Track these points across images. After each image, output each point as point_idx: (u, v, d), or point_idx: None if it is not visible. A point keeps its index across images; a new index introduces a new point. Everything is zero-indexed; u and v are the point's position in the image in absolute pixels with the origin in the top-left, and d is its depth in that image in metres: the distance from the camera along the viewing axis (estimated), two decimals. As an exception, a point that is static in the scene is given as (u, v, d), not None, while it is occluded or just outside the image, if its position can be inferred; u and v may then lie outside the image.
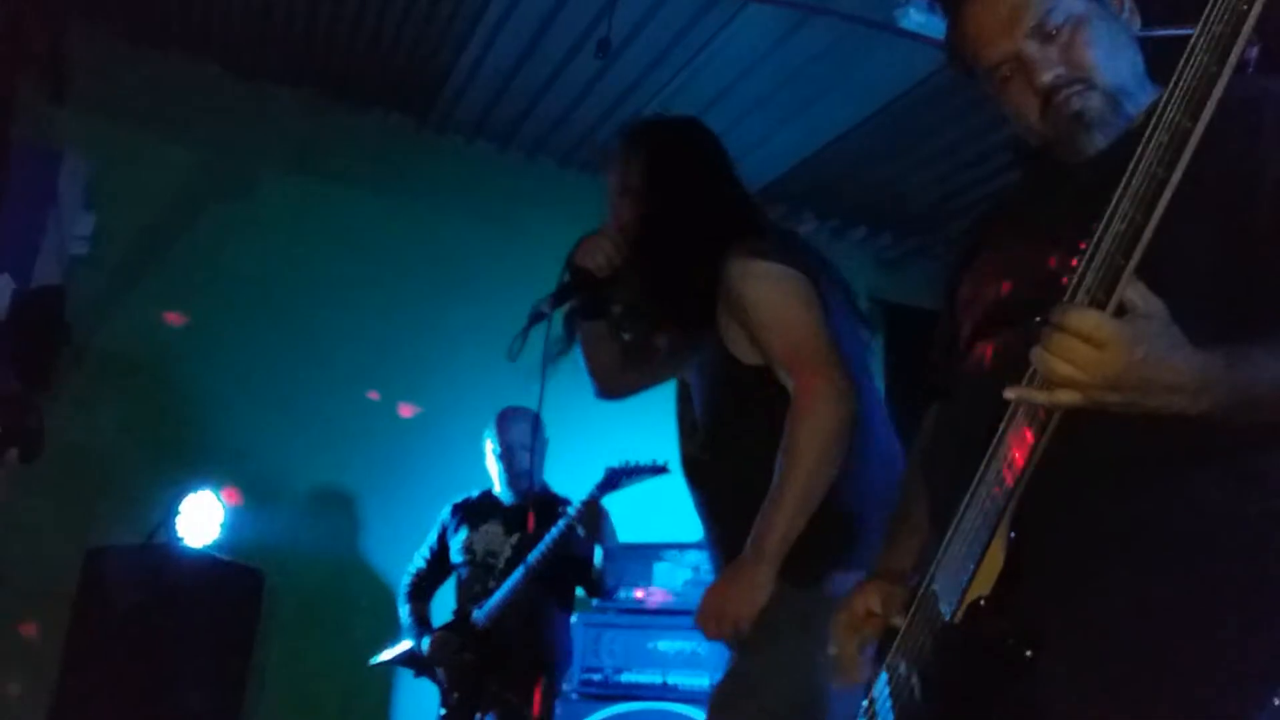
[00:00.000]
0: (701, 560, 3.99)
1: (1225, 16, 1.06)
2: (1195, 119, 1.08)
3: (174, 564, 4.05)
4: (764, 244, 2.19)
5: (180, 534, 4.14)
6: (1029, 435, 1.20)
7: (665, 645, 4.03)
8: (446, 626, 3.92)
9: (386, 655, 4.06)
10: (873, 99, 4.60)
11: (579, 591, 4.04)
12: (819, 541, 2.07)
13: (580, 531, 3.71)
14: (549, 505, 3.91)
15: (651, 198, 2.29)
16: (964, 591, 1.26)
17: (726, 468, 2.20)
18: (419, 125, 5.27)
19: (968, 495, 1.30)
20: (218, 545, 4.22)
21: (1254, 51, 2.89)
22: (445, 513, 4.15)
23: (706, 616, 2.06)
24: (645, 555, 4.07)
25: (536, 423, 3.92)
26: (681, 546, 4.10)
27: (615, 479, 3.71)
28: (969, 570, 1.26)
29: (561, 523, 3.69)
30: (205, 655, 3.96)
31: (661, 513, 3.90)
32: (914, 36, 3.48)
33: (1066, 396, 1.13)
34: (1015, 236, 1.53)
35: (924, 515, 1.57)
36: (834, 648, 1.57)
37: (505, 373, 4.94)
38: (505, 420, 4.06)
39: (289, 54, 4.82)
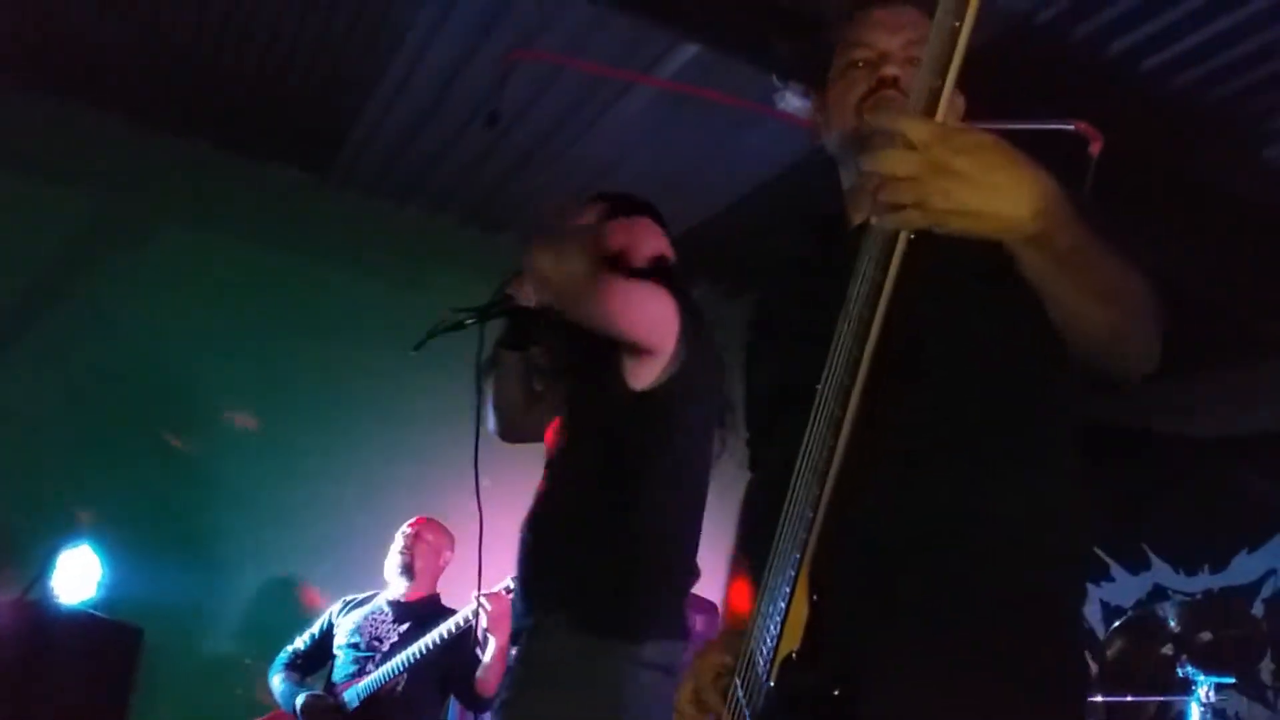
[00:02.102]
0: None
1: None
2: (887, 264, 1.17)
3: (48, 621, 3.95)
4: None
5: (56, 590, 4.07)
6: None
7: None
8: (322, 693, 3.90)
9: None
10: (759, 172, 4.79)
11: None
12: (627, 592, 2.16)
13: (484, 622, 3.65)
14: (441, 611, 3.95)
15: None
16: (775, 649, 1.32)
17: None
18: (319, 181, 5.30)
19: (770, 557, 1.36)
20: (95, 602, 4.15)
21: (1095, 147, 3.12)
22: (335, 605, 4.19)
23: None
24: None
25: (448, 540, 4.14)
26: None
27: None
28: (776, 628, 1.32)
29: (466, 610, 3.68)
30: (80, 715, 3.84)
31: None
32: (791, 118, 3.67)
33: (902, 216, 1.10)
34: (798, 312, 1.62)
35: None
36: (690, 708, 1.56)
37: (401, 425, 5.03)
38: (423, 528, 4.14)
39: (188, 105, 4.82)
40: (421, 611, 3.91)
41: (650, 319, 2.22)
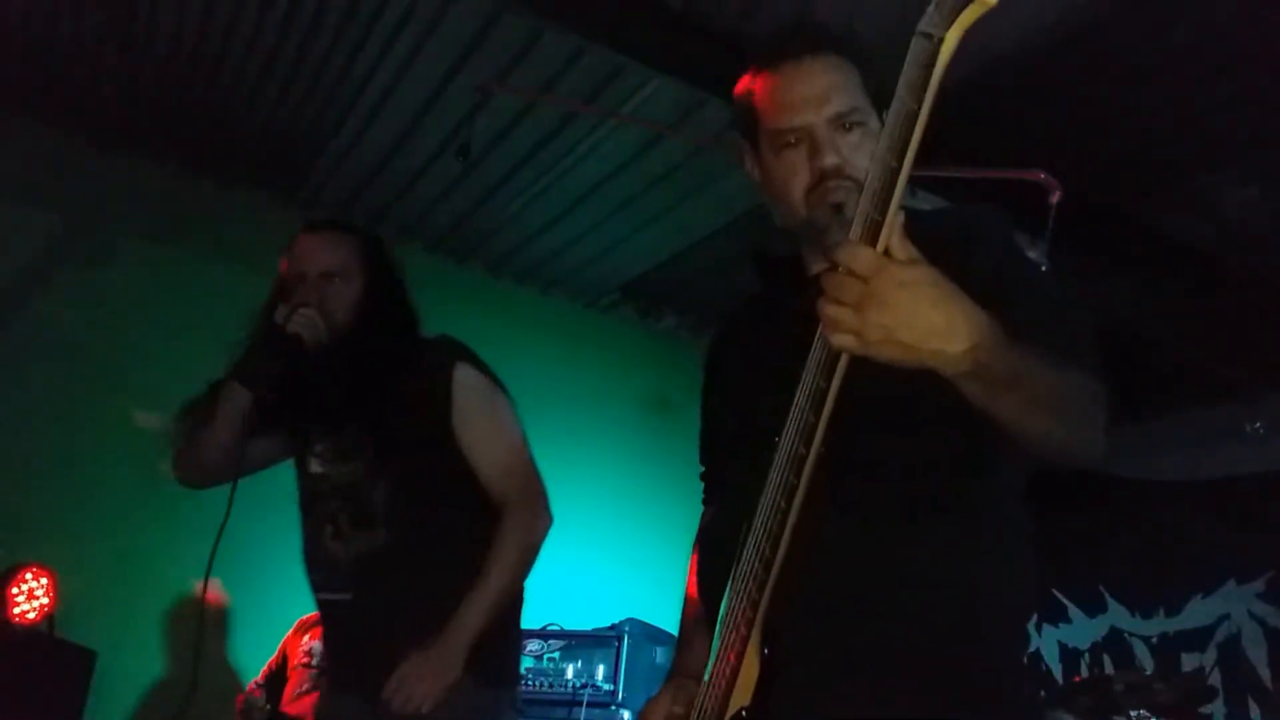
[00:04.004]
0: (542, 647, 4.02)
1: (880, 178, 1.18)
2: None
3: (-2, 643, 3.89)
4: (479, 359, 2.41)
5: (7, 611, 3.99)
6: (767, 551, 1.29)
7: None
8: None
9: None
10: (729, 208, 4.83)
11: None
12: (508, 648, 2.38)
13: None
14: None
15: (367, 287, 2.45)
16: (726, 705, 1.34)
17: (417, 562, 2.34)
18: (286, 204, 5.29)
19: (723, 608, 1.38)
20: (47, 624, 4.07)
21: (1055, 196, 3.17)
22: (291, 631, 4.13)
23: (401, 689, 2.21)
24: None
25: None
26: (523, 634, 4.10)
27: None
28: (727, 683, 1.33)
29: None
30: (26, 741, 3.79)
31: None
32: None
33: (840, 339, 1.17)
34: (755, 355, 1.63)
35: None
36: None
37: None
38: None
39: (156, 126, 4.80)
40: None
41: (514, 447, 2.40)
